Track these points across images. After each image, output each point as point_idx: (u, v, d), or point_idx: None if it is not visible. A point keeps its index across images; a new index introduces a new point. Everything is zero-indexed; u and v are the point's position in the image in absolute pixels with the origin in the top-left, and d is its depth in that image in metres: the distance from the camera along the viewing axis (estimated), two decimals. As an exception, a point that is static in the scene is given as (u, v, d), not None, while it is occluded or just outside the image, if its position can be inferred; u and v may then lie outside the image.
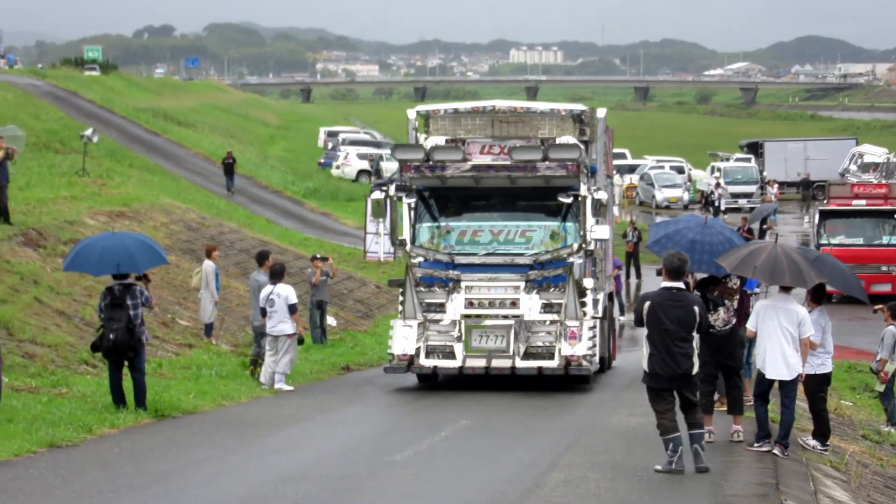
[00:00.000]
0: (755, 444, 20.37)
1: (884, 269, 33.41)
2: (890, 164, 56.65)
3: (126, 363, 23.53)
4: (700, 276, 21.86)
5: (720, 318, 20.78)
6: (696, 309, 18.29)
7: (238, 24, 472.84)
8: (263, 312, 27.36)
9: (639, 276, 52.91)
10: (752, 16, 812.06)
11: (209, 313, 34.04)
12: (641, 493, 16.90)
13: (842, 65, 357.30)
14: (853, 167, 60.58)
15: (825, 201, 53.50)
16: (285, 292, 26.89)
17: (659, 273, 19.68)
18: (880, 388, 30.50)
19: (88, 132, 55.72)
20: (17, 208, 35.61)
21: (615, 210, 49.07)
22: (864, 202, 48.70)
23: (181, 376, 27.56)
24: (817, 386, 21.47)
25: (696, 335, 18.36)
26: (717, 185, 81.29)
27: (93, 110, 67.79)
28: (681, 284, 18.59)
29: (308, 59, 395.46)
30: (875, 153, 74.15)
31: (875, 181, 51.10)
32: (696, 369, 18.33)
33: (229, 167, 63.31)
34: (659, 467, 18.08)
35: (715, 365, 20.42)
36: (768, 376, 20.33)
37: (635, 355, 32.23)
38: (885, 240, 33.32)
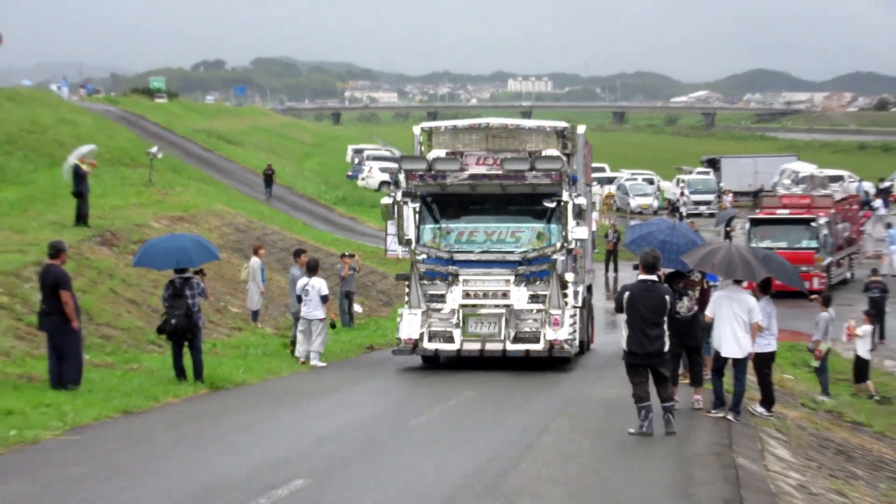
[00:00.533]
0: (712, 411, 20.61)
1: (804, 268, 33.48)
2: (815, 179, 56.96)
3: (186, 343, 23.72)
4: (668, 270, 21.93)
5: (685, 305, 20.94)
6: (667, 298, 18.68)
7: (279, 59, 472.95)
8: (299, 300, 27.53)
9: (616, 270, 52.75)
10: (712, 51, 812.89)
11: (255, 302, 34.08)
12: (618, 452, 17.08)
13: (786, 93, 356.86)
14: (786, 181, 60.78)
15: (756, 211, 53.91)
16: (318, 284, 26.98)
17: (636, 268, 19.91)
18: (815, 364, 30.98)
19: (154, 150, 55.76)
20: (95, 213, 35.65)
21: (595, 215, 49.07)
22: (787, 211, 48.78)
23: (232, 354, 27.64)
24: (764, 362, 21.76)
25: (666, 319, 18.61)
26: (682, 193, 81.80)
27: (157, 131, 67.71)
28: (654, 277, 18.80)
29: (338, 87, 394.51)
30: (804, 169, 74.20)
31: (801, 193, 51.28)
32: (666, 348, 18.63)
33: (269, 178, 63.43)
34: (632, 430, 18.26)
35: (679, 345, 20.50)
36: (723, 354, 20.66)
37: (612, 338, 32.30)
38: (804, 244, 33.36)
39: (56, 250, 21.70)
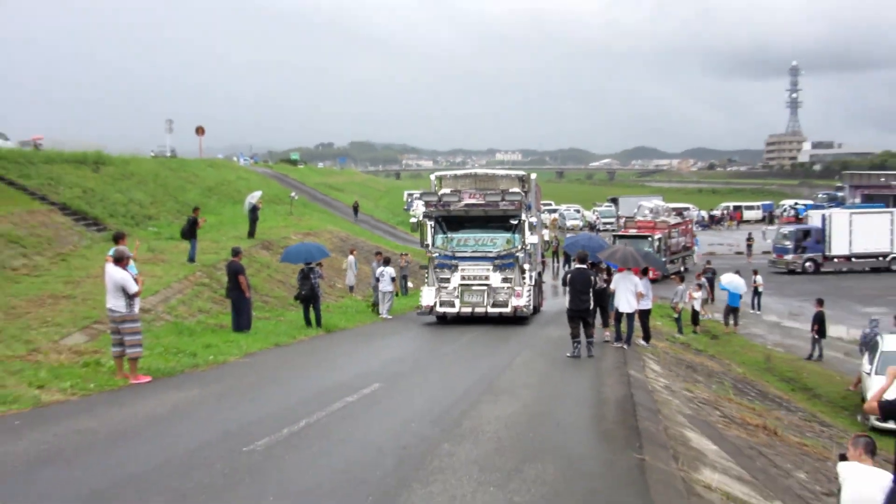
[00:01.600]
0: (615, 343, 20.77)
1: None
2: (658, 210, 56.41)
3: (311, 305, 23.85)
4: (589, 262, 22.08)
5: (599, 282, 21.00)
6: (592, 277, 19.26)
7: (363, 141, 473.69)
8: (377, 280, 27.68)
9: (559, 262, 52.04)
10: (612, 134, 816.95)
11: (351, 280, 34.03)
12: (561, 367, 17.19)
13: (655, 160, 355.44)
14: (645, 212, 60.12)
15: (619, 230, 54.03)
16: (389, 271, 27.05)
17: (574, 260, 20.22)
18: (674, 315, 31.23)
19: (293, 194, 55.89)
20: (259, 230, 35.82)
21: (546, 231, 48.87)
22: (636, 230, 48.42)
23: (338, 312, 27.68)
24: (644, 315, 21.90)
25: (590, 290, 18.80)
26: (597, 218, 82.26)
27: (294, 184, 67.32)
28: (584, 266, 18.97)
29: (398, 158, 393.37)
30: (654, 204, 73.85)
31: (650, 219, 50.78)
32: (590, 306, 18.91)
33: (356, 209, 63.27)
34: (568, 354, 18.39)
35: (597, 304, 20.58)
36: (620, 310, 20.75)
37: (554, 303, 32.24)
38: (644, 249, 33.24)
39: (236, 252, 21.95)
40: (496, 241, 24.64)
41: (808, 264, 51.16)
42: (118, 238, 16.14)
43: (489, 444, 10.43)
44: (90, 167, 41.93)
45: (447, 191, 24.81)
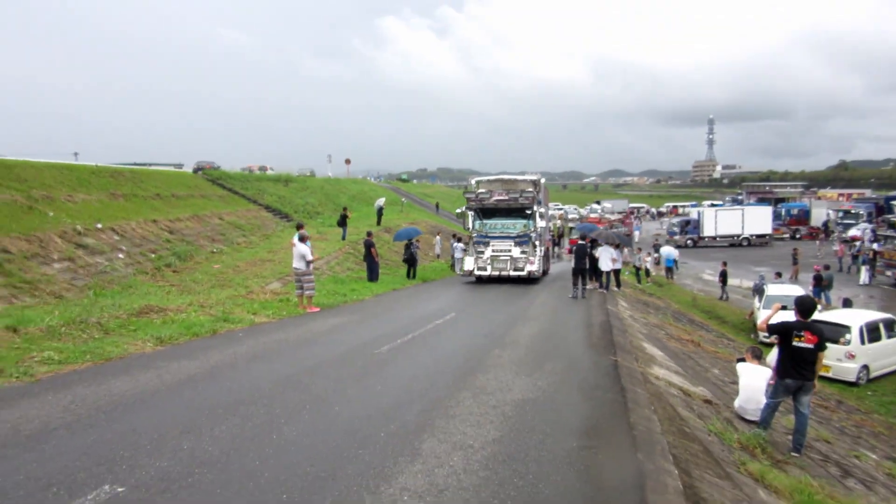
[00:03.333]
0: (598, 289, 20.31)
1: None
2: (604, 209, 54.97)
3: (412, 266, 23.78)
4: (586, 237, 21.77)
5: (595, 251, 20.61)
6: (588, 249, 18.98)
7: (446, 166, 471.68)
8: (454, 251, 26.86)
9: (556, 244, 51.30)
10: (596, 160, 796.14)
11: (437, 251, 33.84)
12: (566, 305, 16.93)
13: (624, 178, 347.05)
14: (599, 210, 58.34)
15: (579, 221, 53.19)
16: (460, 245, 26.35)
17: (578, 238, 20.05)
18: (633, 270, 30.57)
19: (403, 199, 55.81)
20: (383, 221, 35.85)
21: (558, 221, 47.96)
22: (588, 222, 45.67)
23: (430, 270, 27.52)
24: (617, 272, 21.31)
25: (586, 257, 18.69)
26: (588, 213, 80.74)
27: (403, 193, 67.34)
28: (584, 242, 18.94)
29: (467, 176, 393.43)
30: (606, 206, 71.76)
31: (598, 216, 49.54)
32: (587, 267, 18.87)
33: (437, 206, 62.82)
34: (570, 296, 18.15)
35: (590, 266, 20.22)
36: (602, 269, 20.33)
37: (556, 268, 31.70)
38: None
39: (369, 234, 22.06)
40: (516, 225, 22.60)
41: (688, 241, 50.74)
42: (300, 226, 16.38)
43: (521, 350, 10.43)
44: (282, 183, 42.80)
45: (483, 191, 23.03)
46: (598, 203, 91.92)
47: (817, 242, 47.00)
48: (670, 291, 29.32)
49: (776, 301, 17.53)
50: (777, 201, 66.59)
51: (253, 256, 23.54)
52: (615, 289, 21.21)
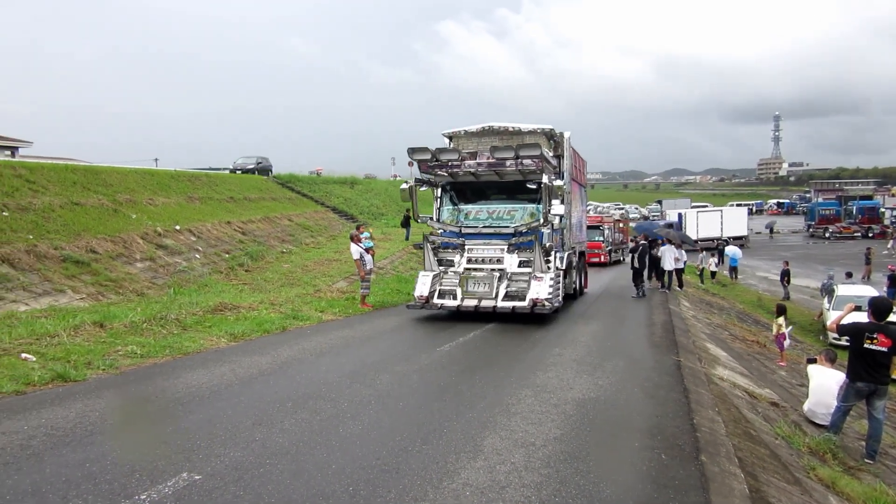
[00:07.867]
0: (660, 289, 19.95)
1: (597, 250, 31.06)
2: (604, 210, 52.65)
3: None
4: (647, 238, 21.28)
5: (657, 251, 20.28)
6: (649, 249, 19.03)
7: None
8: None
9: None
10: (658, 159, 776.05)
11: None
12: (626, 303, 16.65)
13: (686, 177, 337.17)
14: (610, 210, 55.34)
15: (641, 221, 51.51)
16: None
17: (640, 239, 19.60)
18: (698, 273, 29.71)
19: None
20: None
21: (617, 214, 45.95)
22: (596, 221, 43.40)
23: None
24: (679, 271, 20.77)
25: (647, 258, 18.42)
26: (649, 213, 79.21)
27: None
28: (645, 242, 18.75)
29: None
30: (607, 207, 69.47)
31: (600, 214, 47.53)
32: (647, 268, 18.68)
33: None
34: (632, 296, 17.89)
35: (652, 266, 19.86)
36: (665, 268, 19.92)
37: (614, 274, 31.02)
38: (596, 238, 30.20)
39: (425, 236, 21.95)
40: (513, 213, 13.51)
41: None
42: (358, 226, 16.61)
43: (583, 348, 10.27)
44: (348, 185, 43.47)
45: (453, 156, 13.09)
46: (658, 202, 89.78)
47: (890, 242, 44.70)
48: (734, 291, 28.38)
49: (848, 302, 16.80)
50: (846, 199, 63.88)
51: (320, 256, 23.95)
52: (677, 288, 20.69)
